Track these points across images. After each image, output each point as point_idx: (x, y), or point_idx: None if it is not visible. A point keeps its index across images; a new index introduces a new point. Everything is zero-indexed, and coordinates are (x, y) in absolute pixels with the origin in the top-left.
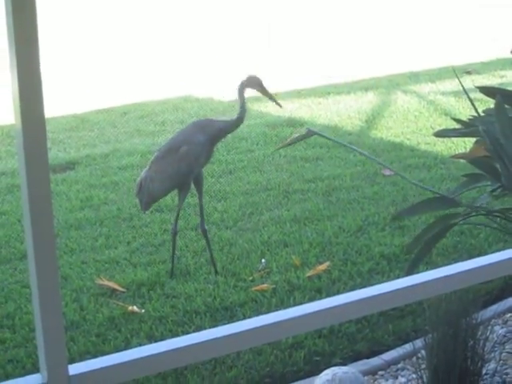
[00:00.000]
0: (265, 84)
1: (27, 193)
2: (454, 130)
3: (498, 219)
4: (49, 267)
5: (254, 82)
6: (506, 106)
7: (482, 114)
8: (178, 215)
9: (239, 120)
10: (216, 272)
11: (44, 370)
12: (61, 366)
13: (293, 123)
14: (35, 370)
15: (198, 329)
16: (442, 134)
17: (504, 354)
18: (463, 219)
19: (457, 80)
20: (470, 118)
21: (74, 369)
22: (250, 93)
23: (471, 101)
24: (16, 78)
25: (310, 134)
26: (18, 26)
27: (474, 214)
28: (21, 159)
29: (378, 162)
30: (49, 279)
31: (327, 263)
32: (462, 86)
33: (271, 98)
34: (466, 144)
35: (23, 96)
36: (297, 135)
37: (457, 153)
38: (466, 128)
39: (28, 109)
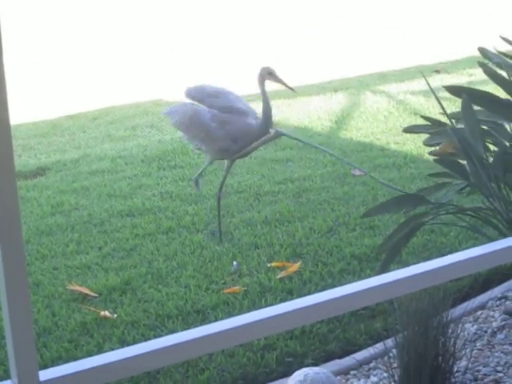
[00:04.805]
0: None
1: None
2: (424, 125)
3: (468, 217)
4: (17, 273)
5: (267, 73)
6: (474, 105)
7: (451, 113)
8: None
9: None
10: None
11: (14, 377)
12: (31, 372)
13: None
14: (7, 376)
15: (170, 332)
16: (411, 129)
17: (475, 351)
18: (433, 218)
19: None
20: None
21: (45, 374)
22: None
23: (438, 100)
24: None
25: (278, 134)
26: None
27: (443, 212)
28: None
29: (347, 163)
30: (18, 285)
31: (298, 263)
32: (429, 85)
33: (285, 84)
34: None
35: None
36: (265, 137)
37: (427, 151)
38: (435, 125)
39: None
